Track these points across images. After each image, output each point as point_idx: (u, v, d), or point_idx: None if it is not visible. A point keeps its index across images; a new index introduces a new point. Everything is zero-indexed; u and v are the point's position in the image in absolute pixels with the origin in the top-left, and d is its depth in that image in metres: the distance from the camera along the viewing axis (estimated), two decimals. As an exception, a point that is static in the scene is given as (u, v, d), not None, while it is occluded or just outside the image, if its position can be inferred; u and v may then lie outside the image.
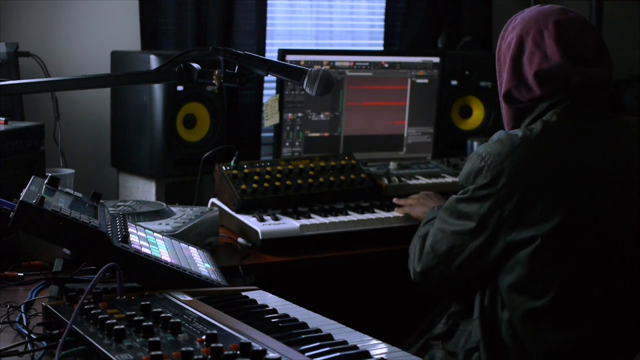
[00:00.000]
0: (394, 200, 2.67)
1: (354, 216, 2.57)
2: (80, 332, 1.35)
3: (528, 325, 1.89)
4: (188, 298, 1.60)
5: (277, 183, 2.64)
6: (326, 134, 3.07)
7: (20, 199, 1.63)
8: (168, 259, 1.76)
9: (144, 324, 1.34)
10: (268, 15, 3.31)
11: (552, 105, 1.92)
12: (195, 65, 2.02)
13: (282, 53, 2.91)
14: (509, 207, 1.84)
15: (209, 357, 1.22)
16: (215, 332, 1.31)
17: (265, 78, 3.24)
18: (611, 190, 1.88)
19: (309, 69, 2.01)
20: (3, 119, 2.27)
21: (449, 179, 2.93)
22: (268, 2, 3.30)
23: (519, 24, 1.98)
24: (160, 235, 1.98)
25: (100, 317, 1.37)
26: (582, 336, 1.88)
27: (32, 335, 1.50)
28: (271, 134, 3.09)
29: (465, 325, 2.01)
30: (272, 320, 1.52)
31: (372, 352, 1.33)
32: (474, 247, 1.91)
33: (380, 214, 2.60)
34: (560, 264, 1.85)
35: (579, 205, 1.84)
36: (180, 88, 2.81)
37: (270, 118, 2.97)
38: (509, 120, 2.01)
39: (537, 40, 1.93)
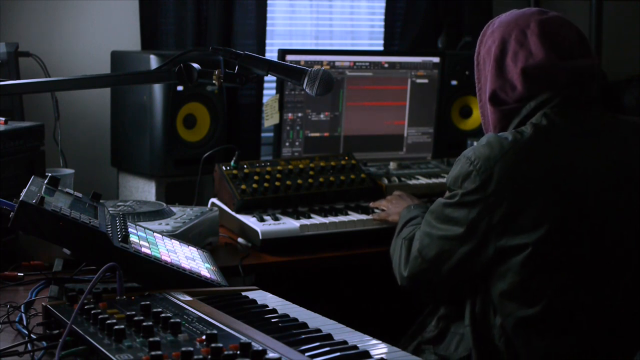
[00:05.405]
0: (371, 204, 2.63)
1: (354, 216, 2.57)
2: (80, 332, 1.35)
3: (521, 332, 1.86)
4: (188, 298, 1.60)
5: (277, 183, 2.64)
6: (326, 134, 3.07)
7: (20, 199, 1.63)
8: (168, 259, 1.76)
9: (144, 324, 1.34)
10: (268, 15, 3.31)
11: (540, 105, 1.87)
12: (195, 65, 2.02)
13: (282, 53, 2.91)
14: (498, 214, 1.80)
15: (209, 357, 1.22)
16: (215, 332, 1.31)
17: (265, 78, 3.24)
18: (606, 193, 1.84)
19: (309, 69, 2.01)
20: (3, 119, 2.27)
21: (449, 179, 2.92)
22: (268, 2, 3.30)
23: (498, 28, 1.95)
24: (160, 235, 1.98)
25: (100, 317, 1.37)
26: (576, 344, 1.85)
27: (32, 335, 1.50)
28: (271, 134, 3.09)
29: (456, 328, 1.99)
30: (272, 320, 1.52)
31: (372, 352, 1.33)
32: (463, 252, 1.86)
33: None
34: (553, 271, 1.82)
35: (570, 213, 1.80)
36: (180, 88, 2.81)
37: (270, 118, 2.97)
38: (495, 124, 1.95)
39: (520, 39, 1.90)
